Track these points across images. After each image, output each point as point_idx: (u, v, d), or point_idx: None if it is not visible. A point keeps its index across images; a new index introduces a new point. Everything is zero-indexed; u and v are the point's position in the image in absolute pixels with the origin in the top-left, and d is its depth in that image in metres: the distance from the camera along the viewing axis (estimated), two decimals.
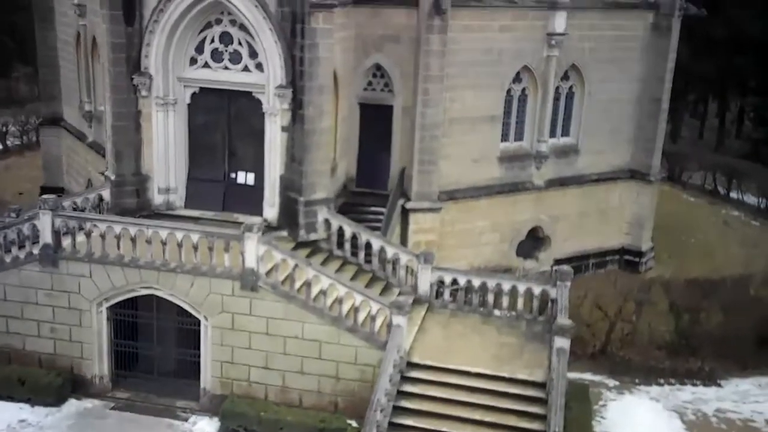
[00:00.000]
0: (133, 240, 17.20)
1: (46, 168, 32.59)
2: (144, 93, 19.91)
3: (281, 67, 19.14)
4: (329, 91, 19.40)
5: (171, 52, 19.84)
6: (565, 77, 25.23)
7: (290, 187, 19.71)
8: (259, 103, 19.96)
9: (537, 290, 18.27)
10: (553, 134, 25.48)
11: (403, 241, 23.00)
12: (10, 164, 38.90)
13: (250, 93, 20.07)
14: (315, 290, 16.82)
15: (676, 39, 25.97)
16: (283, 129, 19.56)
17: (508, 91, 24.28)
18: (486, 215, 24.61)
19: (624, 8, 25.36)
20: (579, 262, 26.44)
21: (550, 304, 18.07)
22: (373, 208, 22.64)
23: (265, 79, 19.56)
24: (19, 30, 57.23)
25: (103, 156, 26.21)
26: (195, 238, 16.97)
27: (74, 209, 19.62)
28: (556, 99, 25.24)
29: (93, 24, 25.32)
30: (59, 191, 31.23)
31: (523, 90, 24.66)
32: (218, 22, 19.93)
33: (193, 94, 20.52)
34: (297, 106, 19.21)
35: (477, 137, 23.88)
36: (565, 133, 25.93)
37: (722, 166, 38.12)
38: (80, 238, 17.61)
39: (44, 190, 31.74)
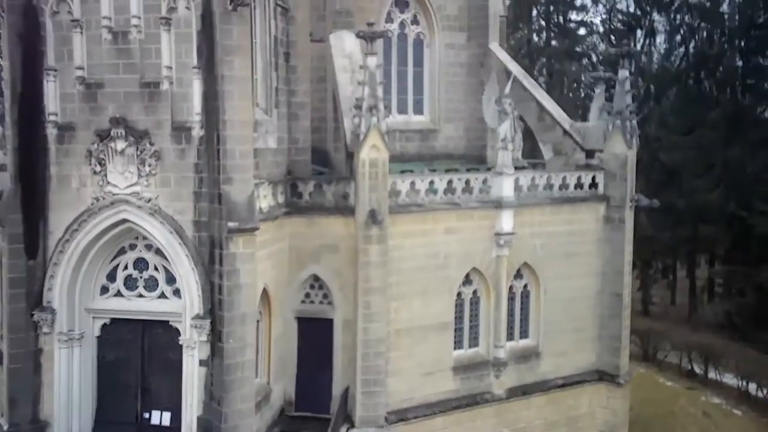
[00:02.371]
0: None
1: None
2: (46, 329, 17.83)
3: (198, 295, 17.29)
4: (252, 320, 17.43)
5: (78, 282, 18.00)
6: (519, 276, 23.66)
7: (209, 431, 17.24)
8: (177, 332, 17.92)
9: None
10: (511, 337, 23.52)
11: None
12: None
13: (167, 322, 18.11)
14: None
15: (631, 231, 24.75)
16: (201, 363, 17.41)
17: (459, 294, 22.56)
18: None
19: (573, 202, 24.30)
20: None
21: None
22: None
23: (182, 307, 17.66)
24: None
25: None
26: None
27: None
28: (511, 299, 23.51)
29: None
30: None
31: (475, 292, 22.93)
32: (132, 247, 18.31)
33: (104, 326, 18.51)
34: (216, 338, 17.16)
35: (428, 347, 21.81)
36: (524, 335, 23.95)
37: (698, 346, 36.14)
38: None
39: None
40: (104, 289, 18.44)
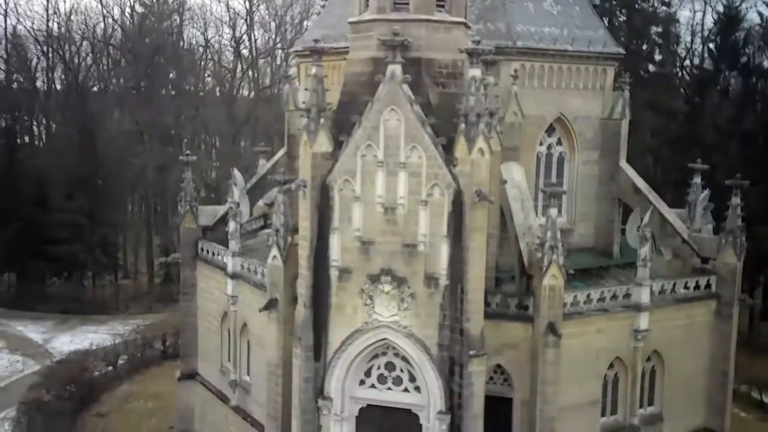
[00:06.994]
0: None
1: (181, 416, 37.20)
2: (325, 412, 24.75)
3: (441, 397, 24.00)
4: (481, 417, 24.05)
5: (347, 379, 24.85)
6: (648, 359, 30.03)
7: None
8: (416, 417, 24.65)
9: None
10: (641, 406, 29.98)
11: None
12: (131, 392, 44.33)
13: (408, 410, 24.84)
14: None
15: (736, 323, 31.02)
16: None
17: (604, 376, 28.99)
18: None
19: (692, 301, 30.56)
20: None
21: None
22: None
23: (424, 401, 24.35)
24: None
25: (247, 421, 31.24)
26: None
27: None
28: (642, 378, 29.87)
29: (244, 311, 30.81)
30: None
31: (616, 374, 29.31)
32: (384, 354, 25.02)
33: (361, 409, 25.27)
34: (456, 429, 23.83)
35: (581, 420, 28.32)
36: (650, 403, 30.43)
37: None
38: None
39: None
40: (362, 382, 25.22)
